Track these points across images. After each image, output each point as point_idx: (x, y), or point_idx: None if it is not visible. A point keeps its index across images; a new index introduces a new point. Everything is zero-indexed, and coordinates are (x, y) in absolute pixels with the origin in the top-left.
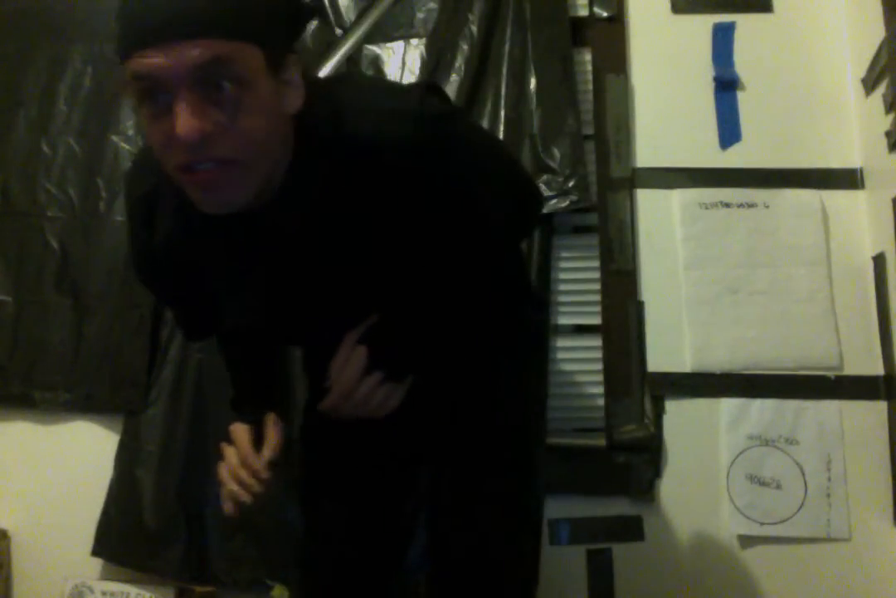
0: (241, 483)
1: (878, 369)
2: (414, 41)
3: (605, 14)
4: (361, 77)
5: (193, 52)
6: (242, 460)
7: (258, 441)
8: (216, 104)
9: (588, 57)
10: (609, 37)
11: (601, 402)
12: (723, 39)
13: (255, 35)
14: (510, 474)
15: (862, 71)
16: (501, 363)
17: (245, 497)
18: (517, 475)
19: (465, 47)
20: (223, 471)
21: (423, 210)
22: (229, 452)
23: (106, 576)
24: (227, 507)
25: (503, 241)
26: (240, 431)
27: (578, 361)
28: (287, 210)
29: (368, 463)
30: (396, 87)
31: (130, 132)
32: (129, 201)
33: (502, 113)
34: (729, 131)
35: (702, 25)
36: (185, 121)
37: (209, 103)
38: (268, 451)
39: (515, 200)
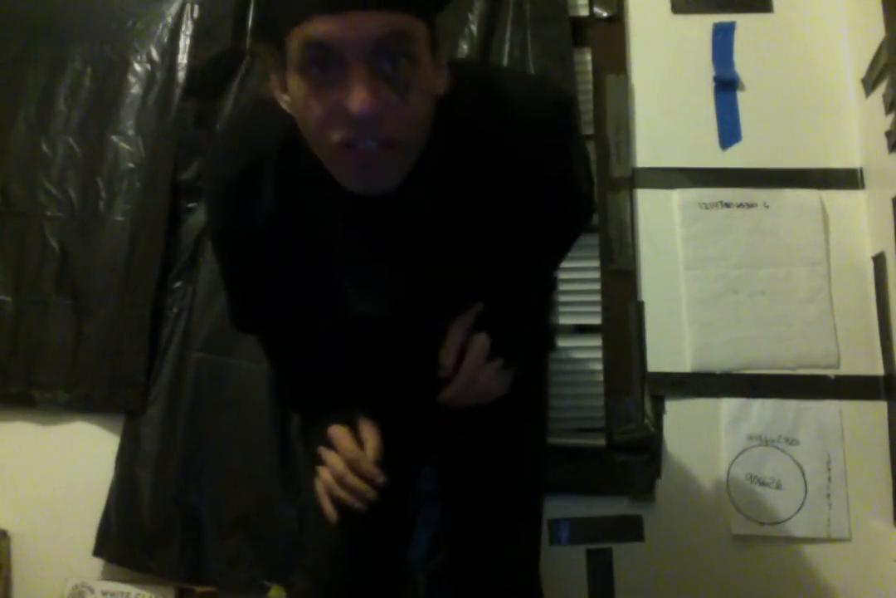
0: (352, 490)
1: (878, 369)
2: None
3: (605, 14)
4: (499, 65)
5: (376, 25)
6: (352, 465)
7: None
8: (389, 81)
9: (588, 57)
10: (609, 37)
11: (601, 402)
12: (723, 39)
13: (426, 10)
14: (522, 457)
15: (862, 71)
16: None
17: (358, 504)
18: (527, 458)
19: (465, 47)
20: (326, 476)
21: (539, 195)
22: (332, 456)
23: (106, 576)
24: (332, 516)
25: (573, 233)
26: (341, 434)
27: (578, 361)
28: (419, 193)
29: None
30: (534, 76)
31: (130, 132)
32: (220, 181)
33: None
34: (729, 131)
35: (702, 25)
36: (361, 97)
37: (383, 80)
38: (373, 453)
39: (588, 194)
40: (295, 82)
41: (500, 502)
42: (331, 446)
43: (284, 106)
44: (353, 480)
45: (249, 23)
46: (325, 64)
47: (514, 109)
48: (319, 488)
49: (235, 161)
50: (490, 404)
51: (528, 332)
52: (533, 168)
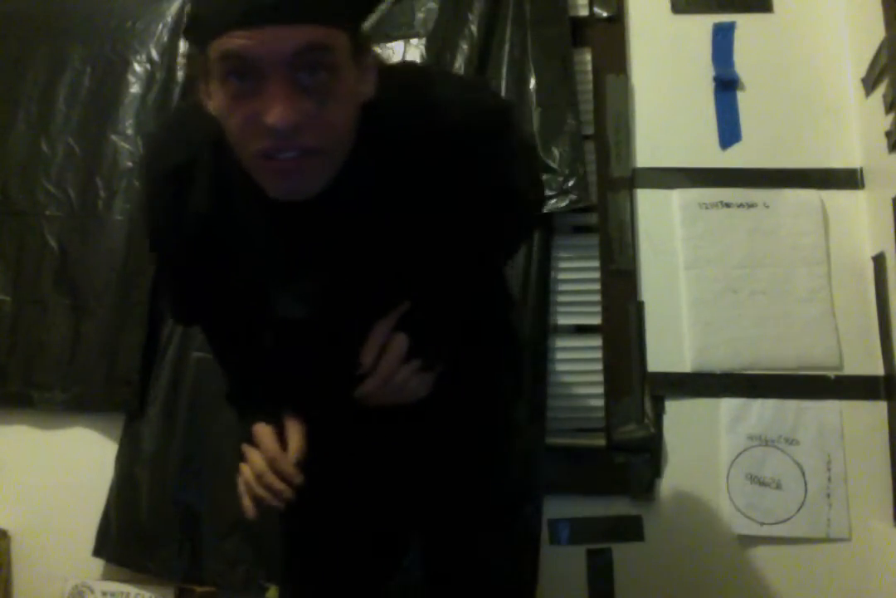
0: (270, 489)
1: (878, 369)
2: (414, 41)
3: (605, 14)
4: (435, 69)
5: (292, 38)
6: (271, 464)
7: (279, 442)
8: (307, 91)
9: (588, 57)
10: (609, 37)
11: (601, 402)
12: (723, 39)
13: (346, 20)
14: (500, 475)
15: (862, 71)
16: (493, 359)
17: (276, 503)
18: (507, 474)
19: (465, 47)
20: (248, 474)
21: (470, 199)
22: (254, 454)
23: (106, 576)
24: (251, 513)
25: (519, 235)
26: (265, 432)
27: (578, 361)
28: (345, 196)
29: (359, 474)
30: (470, 81)
31: (129, 132)
32: (154, 173)
33: None
34: (729, 131)
35: (702, 25)
36: (277, 109)
37: (300, 91)
38: (294, 453)
39: (534, 196)
40: (217, 91)
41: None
42: (254, 444)
43: (211, 111)
44: (271, 479)
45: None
46: (243, 75)
47: (441, 115)
48: (241, 485)
49: (168, 158)
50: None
51: (453, 335)
52: (459, 174)
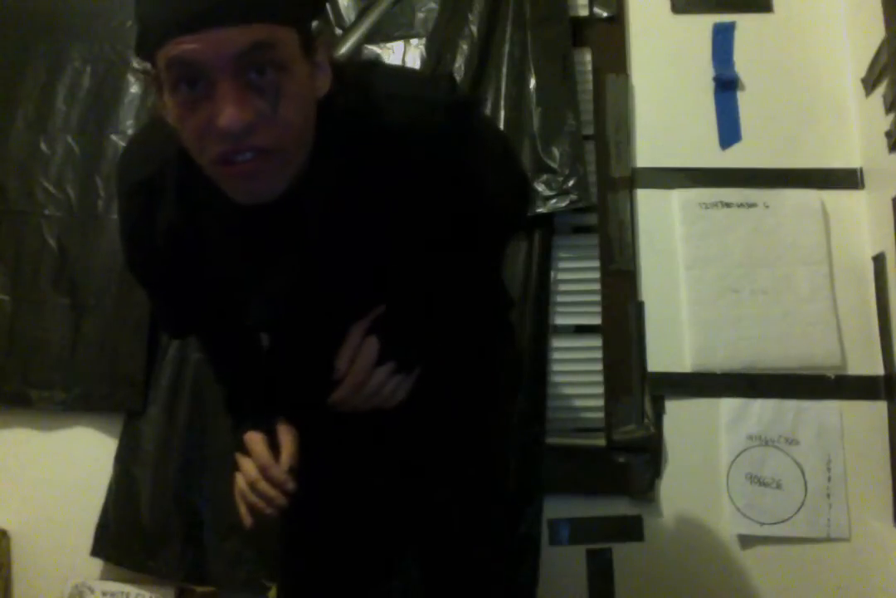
0: (263, 496)
1: (878, 369)
2: (414, 41)
3: (605, 14)
4: (386, 64)
5: (236, 39)
6: (263, 472)
7: (272, 449)
8: (257, 91)
9: (588, 57)
10: (609, 37)
11: (601, 402)
12: (723, 39)
13: (292, 17)
14: (499, 477)
15: (862, 71)
16: (485, 363)
17: (268, 510)
18: (505, 476)
19: (465, 47)
20: (241, 482)
21: (437, 196)
22: (246, 462)
23: (106, 576)
24: (247, 521)
25: (499, 232)
26: (256, 440)
27: (578, 361)
28: (308, 197)
29: (356, 475)
30: (424, 77)
31: (129, 131)
32: (124, 189)
33: (502, 113)
34: (729, 131)
35: (702, 25)
36: (227, 111)
37: (250, 91)
38: (286, 460)
39: (514, 190)
40: (169, 100)
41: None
42: (246, 452)
43: (171, 121)
44: (263, 486)
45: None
46: (192, 81)
47: (387, 111)
48: (236, 494)
49: (138, 170)
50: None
51: (430, 337)
52: (417, 171)
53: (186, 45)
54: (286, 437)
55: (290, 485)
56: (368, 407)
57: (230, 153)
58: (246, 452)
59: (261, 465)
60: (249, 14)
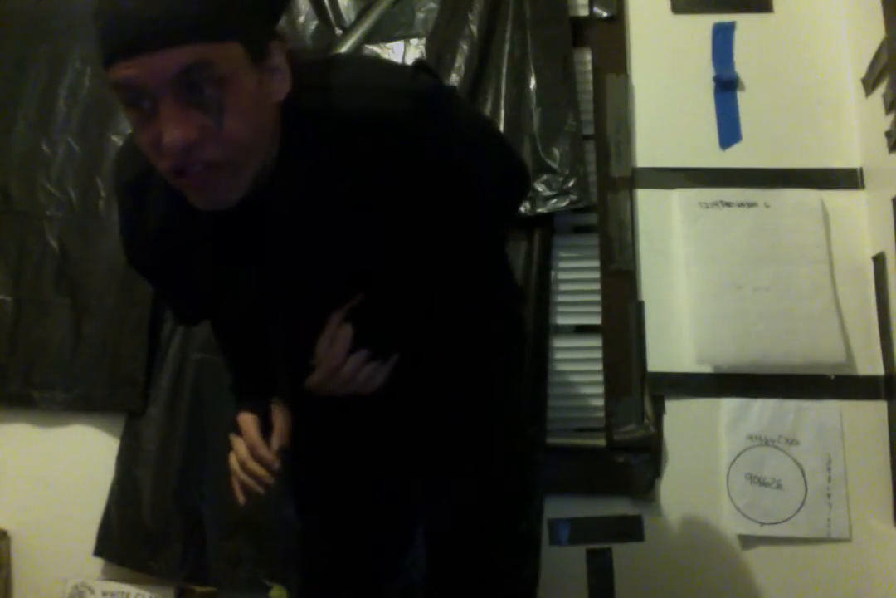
0: (252, 475)
1: (878, 369)
2: (414, 41)
3: (605, 14)
4: (352, 56)
5: (169, 62)
6: (252, 451)
7: (266, 430)
8: (200, 108)
9: (588, 57)
10: (609, 37)
11: (601, 402)
12: (723, 39)
13: (233, 31)
14: (502, 472)
15: (862, 71)
16: (482, 352)
17: (257, 489)
18: (509, 472)
19: (465, 47)
20: (233, 462)
21: (413, 186)
22: (238, 443)
23: (106, 576)
24: (240, 498)
25: (490, 218)
26: (247, 421)
27: (578, 361)
28: (279, 193)
29: (357, 472)
30: (388, 65)
31: (129, 132)
32: (119, 187)
33: (502, 113)
34: (729, 131)
35: (702, 25)
36: (169, 130)
37: (193, 107)
38: (276, 440)
39: (503, 176)
40: (127, 116)
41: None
42: (240, 432)
43: None
44: (252, 466)
45: None
46: (137, 102)
47: (351, 103)
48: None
49: (129, 169)
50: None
51: (407, 324)
52: (385, 160)
53: (125, 71)
54: (278, 418)
55: (276, 465)
56: (345, 392)
57: (178, 167)
58: (240, 433)
59: (249, 445)
60: (182, 36)
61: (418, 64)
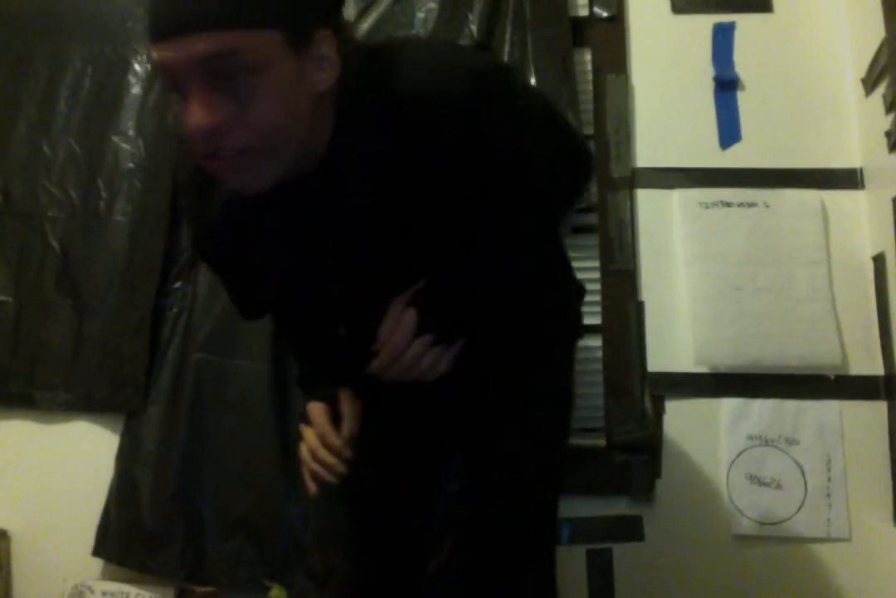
0: (323, 464)
1: (878, 369)
2: None
3: (605, 14)
4: (410, 38)
5: (196, 47)
6: (323, 440)
7: (335, 419)
8: (228, 94)
9: (588, 57)
10: (609, 37)
11: (601, 402)
12: (723, 39)
13: (271, 19)
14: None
15: (862, 71)
16: (541, 342)
17: (329, 478)
18: (545, 440)
19: None
20: (304, 451)
21: (473, 167)
22: (308, 432)
23: (106, 576)
24: (310, 488)
25: (551, 202)
26: (316, 410)
27: (578, 361)
28: (335, 175)
29: (401, 428)
30: (448, 44)
31: (130, 132)
32: (184, 180)
33: None
34: (729, 131)
35: (702, 25)
36: (193, 114)
37: (221, 94)
38: (346, 428)
39: (564, 157)
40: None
41: (514, 501)
42: (309, 422)
43: None
44: (322, 454)
45: None
46: (173, 83)
47: (408, 82)
48: (302, 462)
49: (193, 161)
50: (504, 396)
51: (471, 310)
52: (446, 144)
53: (161, 52)
54: (347, 407)
55: (347, 453)
56: (409, 378)
57: (208, 151)
58: (309, 422)
59: (320, 434)
60: (210, 23)
61: (478, 44)
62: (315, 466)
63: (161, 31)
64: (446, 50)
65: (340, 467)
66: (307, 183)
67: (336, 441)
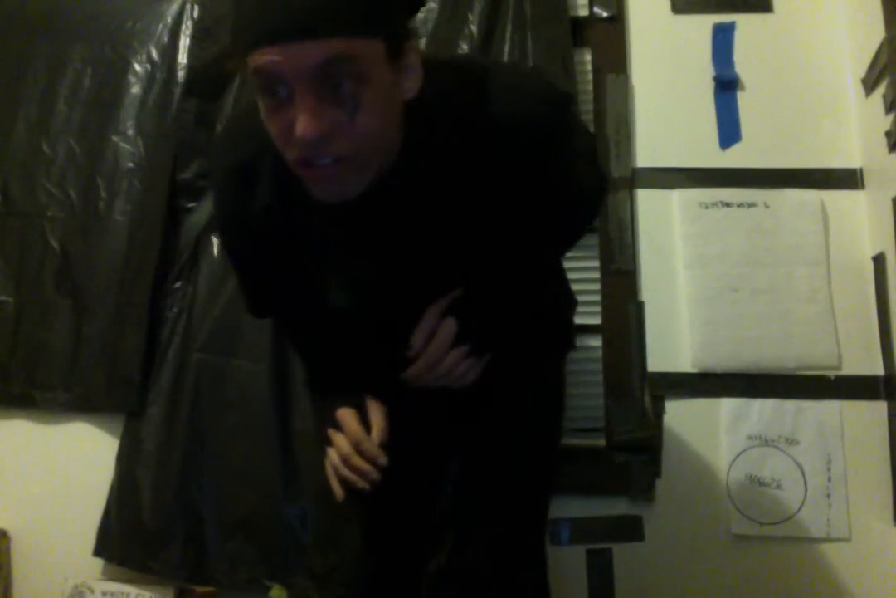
0: (357, 471)
1: (878, 369)
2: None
3: (605, 14)
4: (479, 57)
5: (313, 53)
6: (357, 447)
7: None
8: (335, 102)
9: (588, 57)
10: (609, 37)
11: (601, 402)
12: (723, 39)
13: (377, 28)
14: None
15: (862, 71)
16: (540, 350)
17: (362, 484)
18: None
19: (465, 47)
20: (334, 457)
21: (526, 188)
22: (339, 438)
23: (106, 576)
24: (339, 494)
25: (581, 223)
26: (348, 415)
27: (578, 361)
28: (395, 189)
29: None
30: (524, 69)
31: (130, 132)
32: (222, 170)
33: None
34: (729, 131)
35: (702, 25)
36: (304, 121)
37: (328, 101)
38: (378, 434)
39: (594, 189)
40: (258, 100)
41: (509, 501)
42: (339, 427)
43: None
44: (357, 461)
45: None
46: (274, 89)
47: (498, 104)
48: (328, 468)
49: (236, 151)
50: (504, 401)
51: (504, 323)
52: (516, 165)
53: (269, 57)
54: (376, 413)
55: (383, 460)
56: (438, 385)
57: (307, 158)
58: (338, 427)
59: (355, 440)
60: (331, 28)
61: (541, 69)
62: (347, 472)
63: (273, 35)
64: (531, 76)
65: (375, 474)
66: (369, 191)
67: (373, 449)
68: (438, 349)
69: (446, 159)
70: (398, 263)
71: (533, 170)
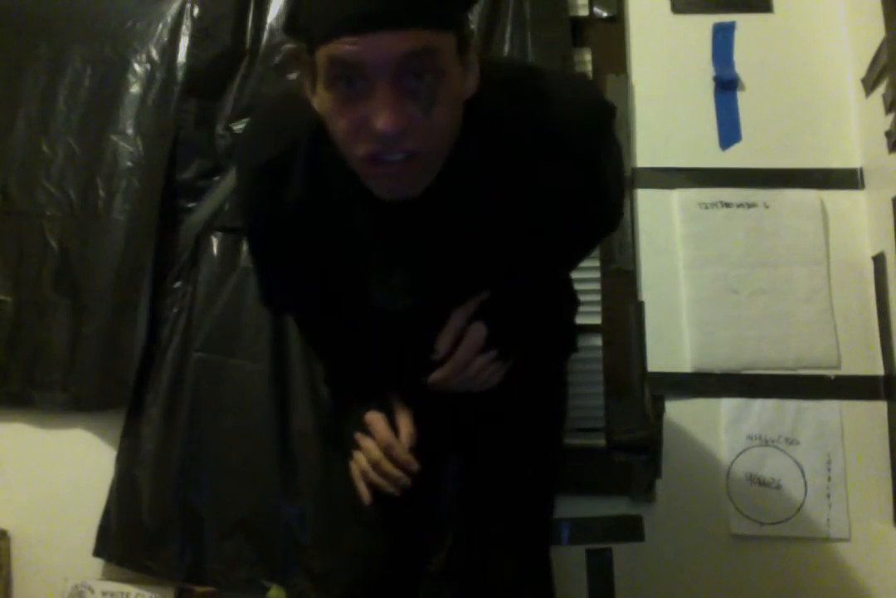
0: (387, 475)
1: (878, 369)
2: None
3: (605, 14)
4: (528, 62)
5: (398, 44)
6: (387, 451)
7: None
8: (413, 96)
9: (588, 57)
10: (609, 37)
11: (601, 402)
12: (723, 39)
13: (454, 21)
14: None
15: (862, 71)
16: (545, 352)
17: (391, 489)
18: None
19: None
20: (362, 461)
21: (564, 196)
22: (368, 442)
23: (106, 576)
24: (366, 499)
25: (600, 236)
26: (378, 420)
27: (578, 361)
28: (445, 193)
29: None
30: (575, 77)
31: (130, 132)
32: (252, 165)
33: None
34: (729, 131)
35: (702, 25)
36: (384, 114)
37: (407, 95)
38: (407, 439)
39: (620, 202)
40: (324, 93)
41: (512, 501)
42: (367, 432)
43: (315, 106)
44: (387, 466)
45: (249, 23)
46: (351, 80)
47: (553, 110)
48: (355, 471)
49: (266, 147)
50: (509, 402)
51: (529, 328)
52: (563, 172)
53: (350, 47)
54: (404, 417)
55: (415, 466)
56: (462, 389)
57: (380, 153)
58: (366, 431)
59: (386, 445)
60: (415, 20)
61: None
62: (376, 477)
63: (356, 24)
64: (584, 83)
65: (406, 480)
66: (425, 190)
67: (404, 454)
68: (467, 354)
69: (498, 161)
70: (443, 264)
71: (578, 176)
